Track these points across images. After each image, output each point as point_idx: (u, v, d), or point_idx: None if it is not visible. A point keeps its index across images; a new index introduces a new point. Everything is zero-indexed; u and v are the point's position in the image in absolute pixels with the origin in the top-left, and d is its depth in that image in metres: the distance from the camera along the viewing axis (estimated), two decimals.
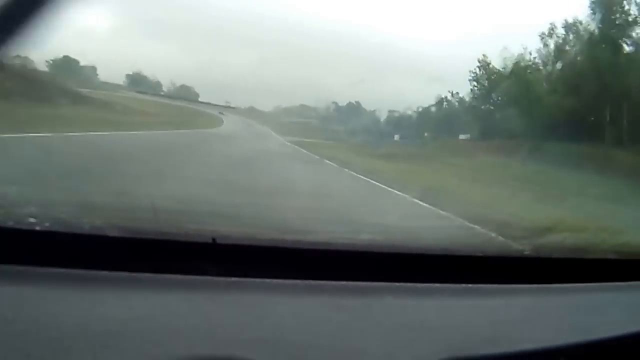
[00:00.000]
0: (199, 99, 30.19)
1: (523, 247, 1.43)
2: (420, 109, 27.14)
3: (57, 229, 0.90)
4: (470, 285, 1.09)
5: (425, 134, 25.80)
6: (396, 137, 25.92)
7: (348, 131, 27.78)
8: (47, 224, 0.89)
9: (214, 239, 0.95)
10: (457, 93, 24.88)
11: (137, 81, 28.79)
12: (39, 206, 1.00)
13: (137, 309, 0.78)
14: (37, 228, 0.88)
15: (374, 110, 29.20)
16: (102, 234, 0.91)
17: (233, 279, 0.91)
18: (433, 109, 26.45)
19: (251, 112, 29.75)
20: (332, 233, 1.46)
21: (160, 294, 0.84)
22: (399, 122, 27.84)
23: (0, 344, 0.66)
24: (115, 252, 0.89)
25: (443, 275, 1.07)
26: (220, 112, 28.04)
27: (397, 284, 1.02)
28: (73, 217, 1.01)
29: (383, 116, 28.99)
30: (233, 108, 28.88)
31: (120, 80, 28.22)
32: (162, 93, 29.63)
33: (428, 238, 1.71)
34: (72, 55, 22.45)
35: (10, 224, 0.89)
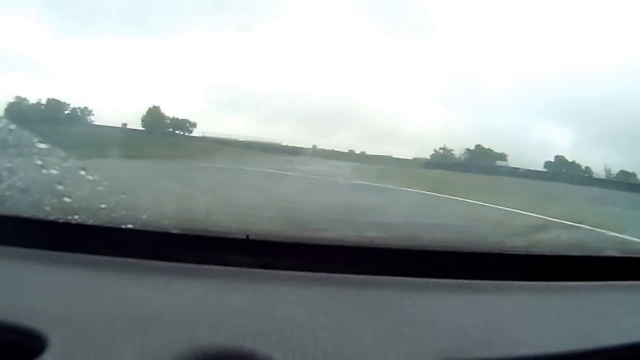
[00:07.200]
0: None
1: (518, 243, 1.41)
2: None
3: (134, 227, 1.11)
4: (466, 281, 1.09)
5: None
6: None
7: None
8: (124, 225, 1.12)
9: (247, 235, 1.12)
10: None
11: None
12: (129, 209, 1.27)
13: (177, 295, 0.90)
14: (111, 226, 1.13)
15: None
16: (165, 231, 1.11)
17: (257, 270, 1.04)
18: None
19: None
20: (341, 231, 1.60)
21: (199, 282, 0.97)
22: None
23: (64, 322, 0.76)
24: (173, 246, 1.08)
25: (440, 271, 1.10)
26: None
27: (395, 278, 1.07)
28: (150, 218, 1.21)
29: None
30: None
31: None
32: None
33: (428, 235, 1.71)
34: None
35: (91, 222, 1.12)
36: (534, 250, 1.30)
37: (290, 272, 1.04)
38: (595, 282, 1.20)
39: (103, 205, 1.26)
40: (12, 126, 1.43)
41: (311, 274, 1.04)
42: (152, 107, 20.18)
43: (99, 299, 0.86)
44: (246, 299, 0.91)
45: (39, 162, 1.35)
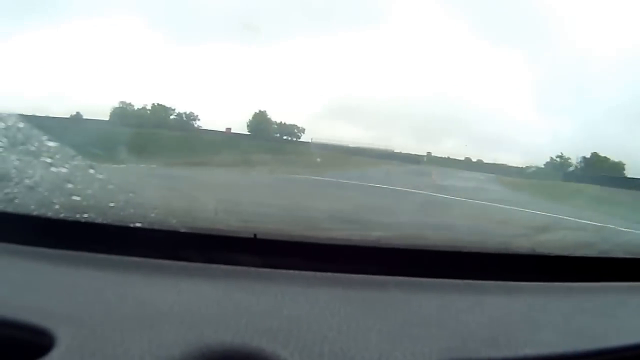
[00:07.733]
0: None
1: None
2: None
3: (142, 226, 1.13)
4: (472, 281, 1.10)
5: None
6: None
7: None
8: (132, 224, 1.13)
9: (255, 235, 1.12)
10: None
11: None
12: (138, 208, 1.27)
13: (185, 294, 0.91)
14: (118, 224, 1.14)
15: None
16: (174, 230, 1.11)
17: (264, 269, 1.05)
18: None
19: None
20: (347, 230, 1.59)
21: (207, 281, 0.97)
22: None
23: (72, 320, 0.77)
24: (181, 245, 1.09)
25: (446, 271, 1.11)
26: None
27: (402, 278, 1.08)
28: (159, 217, 1.22)
29: None
30: None
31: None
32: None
33: (434, 235, 1.71)
34: None
35: (100, 220, 1.14)
36: (540, 251, 1.30)
37: (297, 272, 1.05)
38: (601, 282, 1.20)
39: (112, 204, 1.27)
40: (21, 124, 1.44)
41: (318, 273, 1.05)
42: (258, 112, 19.91)
43: (107, 297, 0.87)
44: (254, 297, 0.92)
45: (48, 160, 1.36)
